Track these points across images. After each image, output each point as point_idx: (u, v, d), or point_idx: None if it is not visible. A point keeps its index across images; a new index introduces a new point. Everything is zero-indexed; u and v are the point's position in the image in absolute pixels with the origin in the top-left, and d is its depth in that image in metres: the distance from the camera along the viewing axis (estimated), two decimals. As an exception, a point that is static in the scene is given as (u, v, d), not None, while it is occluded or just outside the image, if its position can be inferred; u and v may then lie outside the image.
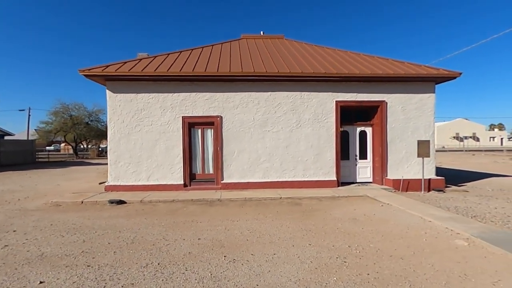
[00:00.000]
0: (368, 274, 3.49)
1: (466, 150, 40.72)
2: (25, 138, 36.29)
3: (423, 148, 9.03)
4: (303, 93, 9.50)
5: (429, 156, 9.13)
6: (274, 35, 13.98)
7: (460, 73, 9.48)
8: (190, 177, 9.37)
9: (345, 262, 3.84)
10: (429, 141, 9.15)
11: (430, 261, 3.85)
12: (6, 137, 29.12)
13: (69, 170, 17.53)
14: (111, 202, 7.55)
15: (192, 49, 11.26)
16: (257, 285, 3.25)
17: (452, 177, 13.11)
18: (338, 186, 9.52)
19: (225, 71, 8.94)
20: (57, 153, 44.84)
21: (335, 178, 9.55)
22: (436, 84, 9.99)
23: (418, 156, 9.06)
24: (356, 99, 9.66)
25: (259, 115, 9.41)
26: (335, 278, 3.38)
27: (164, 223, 5.76)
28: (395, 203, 7.19)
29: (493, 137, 70.32)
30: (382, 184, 9.71)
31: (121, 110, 9.12)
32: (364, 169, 10.26)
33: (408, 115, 9.75)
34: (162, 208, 7.06)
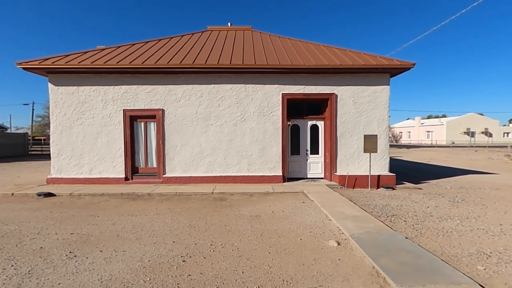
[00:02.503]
0: (190, 275, 3.27)
1: (471, 146, 39.06)
2: (30, 132, 37.52)
3: (370, 143, 8.59)
4: (247, 85, 9.20)
5: (376, 152, 8.68)
6: (241, 27, 13.65)
7: (414, 64, 8.92)
8: (132, 171, 9.30)
9: (184, 261, 3.63)
10: (376, 135, 8.67)
11: (274, 262, 3.59)
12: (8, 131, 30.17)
13: (48, 162, 17.84)
14: (39, 194, 7.57)
15: (147, 41, 11.12)
16: (60, 283, 3.10)
17: (425, 174, 12.56)
18: (284, 181, 9.23)
19: (164, 63, 8.75)
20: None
21: (281, 174, 9.25)
22: (392, 76, 9.48)
23: (365, 151, 8.62)
24: (304, 92, 9.28)
25: (202, 108, 9.19)
26: (148, 279, 3.19)
27: (61, 216, 5.69)
28: (319, 200, 6.86)
29: (507, 133, 67.11)
30: (331, 180, 9.35)
31: (63, 103, 9.11)
32: (315, 165, 9.89)
33: (360, 108, 9.30)
34: (83, 202, 7.01)
